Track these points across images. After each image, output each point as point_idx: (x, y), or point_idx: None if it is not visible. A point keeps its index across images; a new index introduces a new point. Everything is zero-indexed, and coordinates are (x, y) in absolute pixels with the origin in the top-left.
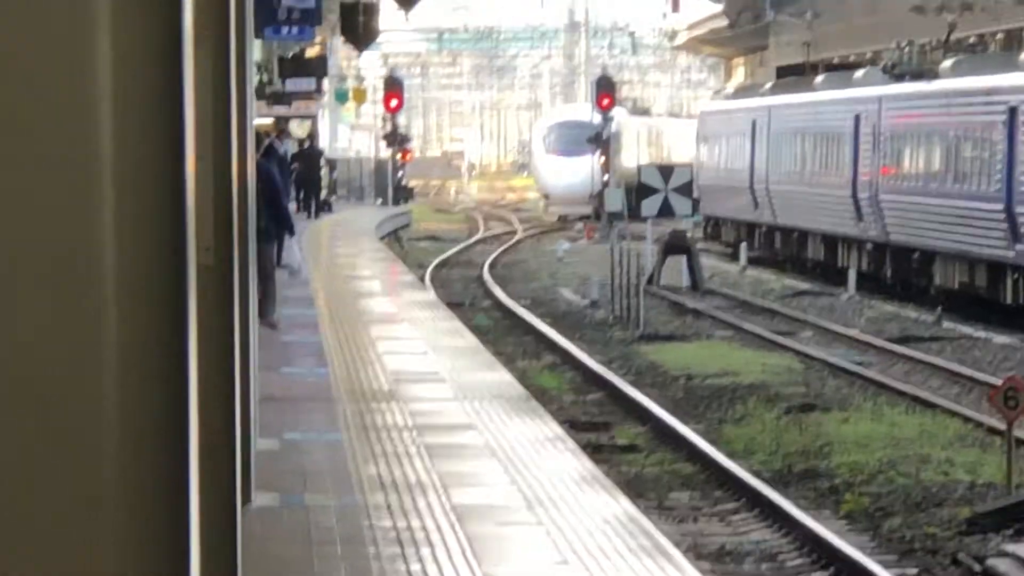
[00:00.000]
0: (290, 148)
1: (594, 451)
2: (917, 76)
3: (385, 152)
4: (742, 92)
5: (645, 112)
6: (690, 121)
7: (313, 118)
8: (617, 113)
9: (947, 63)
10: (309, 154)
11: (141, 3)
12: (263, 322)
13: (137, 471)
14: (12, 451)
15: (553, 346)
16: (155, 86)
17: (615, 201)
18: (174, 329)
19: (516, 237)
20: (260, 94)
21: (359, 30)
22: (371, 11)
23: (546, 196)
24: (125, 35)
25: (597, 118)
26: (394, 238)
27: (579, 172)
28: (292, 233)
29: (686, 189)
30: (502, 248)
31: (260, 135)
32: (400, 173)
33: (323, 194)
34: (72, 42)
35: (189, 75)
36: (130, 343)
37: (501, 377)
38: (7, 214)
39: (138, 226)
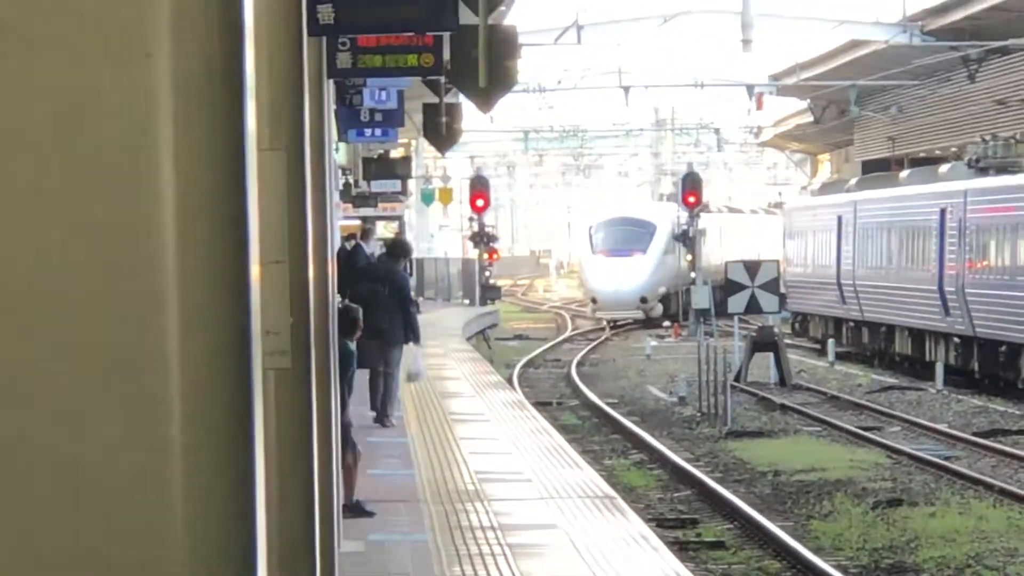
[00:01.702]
0: (376, 249)
1: (680, 548)
2: (1002, 169)
3: (472, 251)
4: (828, 187)
5: (733, 209)
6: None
7: (400, 219)
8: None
9: None
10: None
11: (203, 112)
12: (384, 421)
13: None
14: (79, 558)
15: (640, 443)
16: (217, 194)
17: (703, 298)
18: (238, 431)
19: (604, 335)
20: (346, 196)
21: (442, 131)
22: (454, 112)
23: (593, 300)
24: (187, 144)
25: (678, 214)
26: (482, 338)
27: (629, 274)
28: (418, 341)
29: (772, 285)
30: (590, 346)
31: (400, 241)
32: (487, 272)
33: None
34: (135, 148)
35: (253, 181)
36: (194, 448)
37: (587, 475)
38: (72, 321)
39: (201, 330)
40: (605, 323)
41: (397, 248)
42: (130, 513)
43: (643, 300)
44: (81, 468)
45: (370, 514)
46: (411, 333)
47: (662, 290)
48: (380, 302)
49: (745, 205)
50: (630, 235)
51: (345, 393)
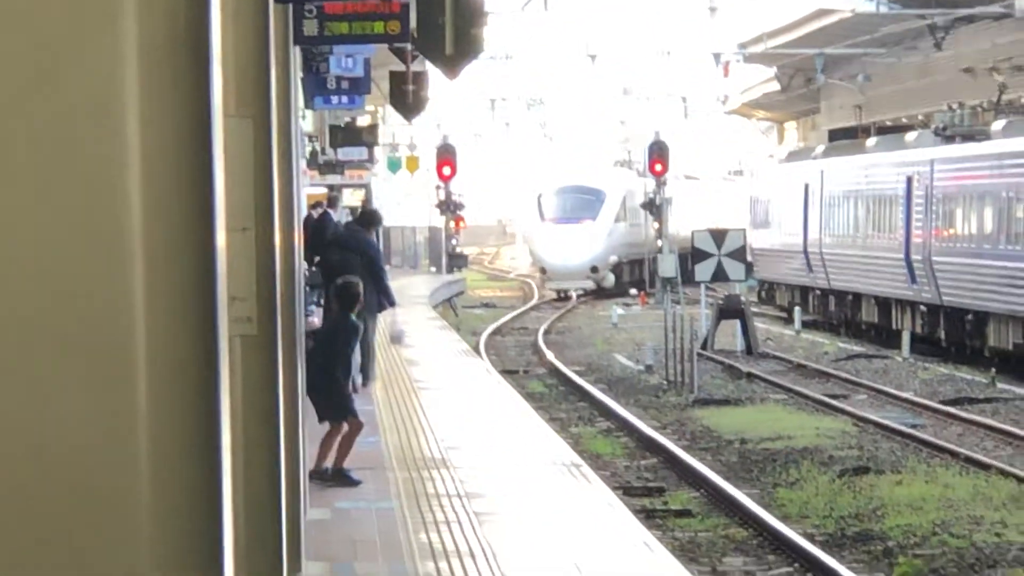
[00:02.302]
0: (343, 216)
1: (647, 516)
2: (968, 138)
3: (438, 220)
4: (794, 156)
5: (689, 177)
6: (734, 185)
7: (367, 186)
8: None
9: (998, 124)
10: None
11: (169, 79)
12: (367, 384)
13: (171, 542)
14: (45, 532)
15: (607, 412)
16: (183, 161)
17: (669, 267)
18: (205, 398)
19: (571, 304)
20: (312, 163)
21: (408, 99)
22: (420, 80)
23: (542, 270)
24: (153, 110)
25: (649, 183)
26: (448, 306)
27: (578, 243)
28: (393, 305)
29: (739, 254)
30: (557, 315)
31: (371, 210)
32: (454, 240)
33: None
34: (102, 114)
35: (219, 148)
36: (160, 412)
37: (553, 443)
38: (37, 289)
39: (167, 296)
40: (558, 293)
41: (367, 217)
42: (96, 481)
43: (594, 270)
44: (46, 435)
45: (355, 482)
46: (386, 299)
47: (613, 259)
48: (352, 271)
49: (702, 173)
50: (579, 203)
51: (350, 364)
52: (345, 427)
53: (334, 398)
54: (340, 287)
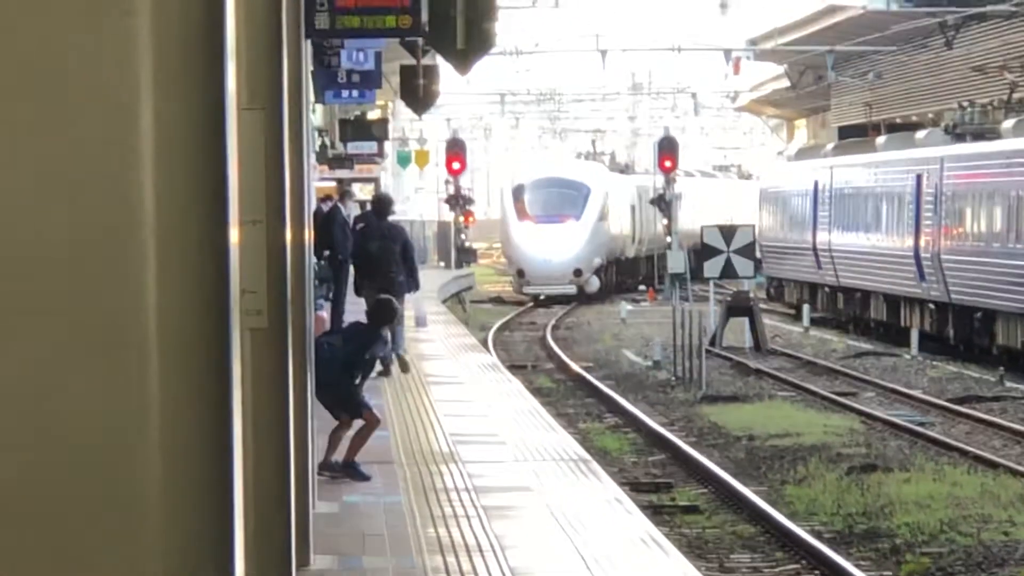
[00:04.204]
0: (353, 211)
1: (654, 512)
2: (978, 136)
3: (448, 214)
4: (804, 153)
5: (710, 173)
6: (753, 182)
7: (377, 181)
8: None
9: (1008, 123)
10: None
11: (183, 72)
12: (403, 367)
13: (181, 536)
14: (60, 525)
15: (615, 407)
16: (196, 153)
17: (678, 263)
18: (216, 391)
19: (575, 302)
20: (322, 157)
21: (419, 93)
22: (431, 74)
23: (520, 273)
24: (166, 102)
25: (658, 180)
26: (456, 300)
27: (561, 243)
28: (418, 288)
29: (748, 250)
30: (565, 310)
31: (385, 200)
32: (463, 235)
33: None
34: (116, 105)
35: (232, 140)
36: (172, 404)
37: (561, 439)
38: (49, 283)
39: (179, 289)
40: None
41: (383, 205)
42: (106, 473)
43: (577, 273)
44: (61, 427)
45: (365, 477)
46: (414, 284)
47: (597, 261)
48: (392, 258)
49: (694, 169)
50: (561, 198)
51: (370, 372)
52: (355, 423)
53: (351, 398)
54: (381, 304)
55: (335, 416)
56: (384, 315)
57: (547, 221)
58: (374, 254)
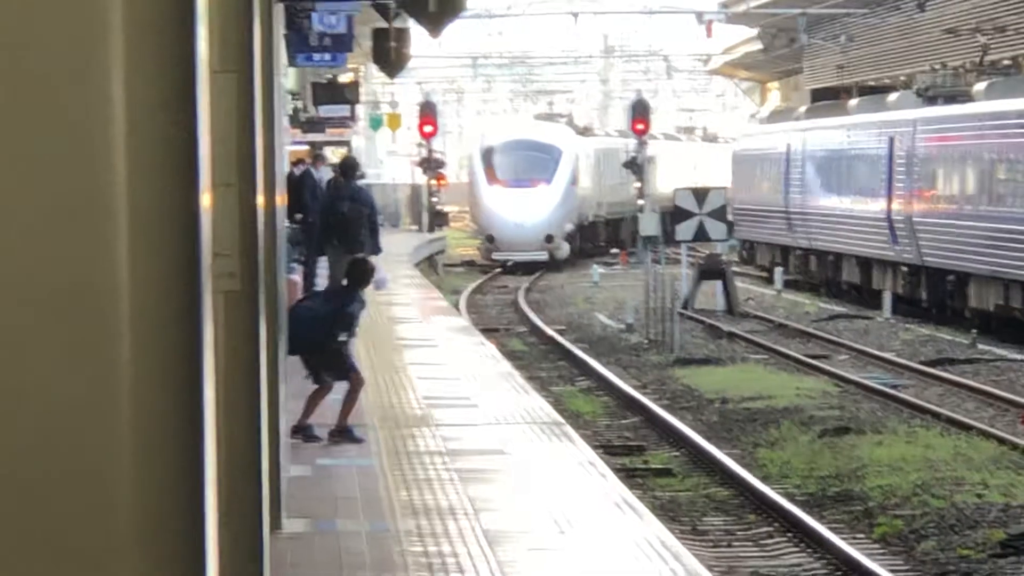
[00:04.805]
0: (326, 174)
1: (627, 475)
2: (951, 99)
3: (420, 178)
4: (776, 116)
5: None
6: (726, 145)
7: (349, 144)
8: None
9: (980, 85)
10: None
11: (154, 35)
12: None
13: (152, 500)
14: (26, 488)
15: (588, 371)
16: (167, 116)
17: (651, 226)
18: (188, 354)
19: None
20: (295, 121)
21: (391, 56)
22: (403, 37)
23: (489, 239)
24: (137, 65)
25: (631, 143)
26: (429, 264)
27: (532, 208)
28: (380, 251)
29: (720, 213)
30: (537, 274)
31: (351, 162)
32: (435, 199)
33: None
34: (86, 69)
35: (204, 104)
36: (143, 368)
37: (534, 402)
38: (20, 247)
39: (151, 253)
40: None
41: (350, 167)
42: (77, 440)
43: (548, 239)
44: (26, 393)
45: (359, 440)
46: (376, 246)
47: (569, 227)
48: (361, 221)
49: (659, 132)
50: (532, 162)
51: (355, 331)
52: (333, 385)
53: (339, 358)
54: (356, 265)
55: (317, 380)
56: (361, 275)
57: (518, 185)
58: (345, 215)
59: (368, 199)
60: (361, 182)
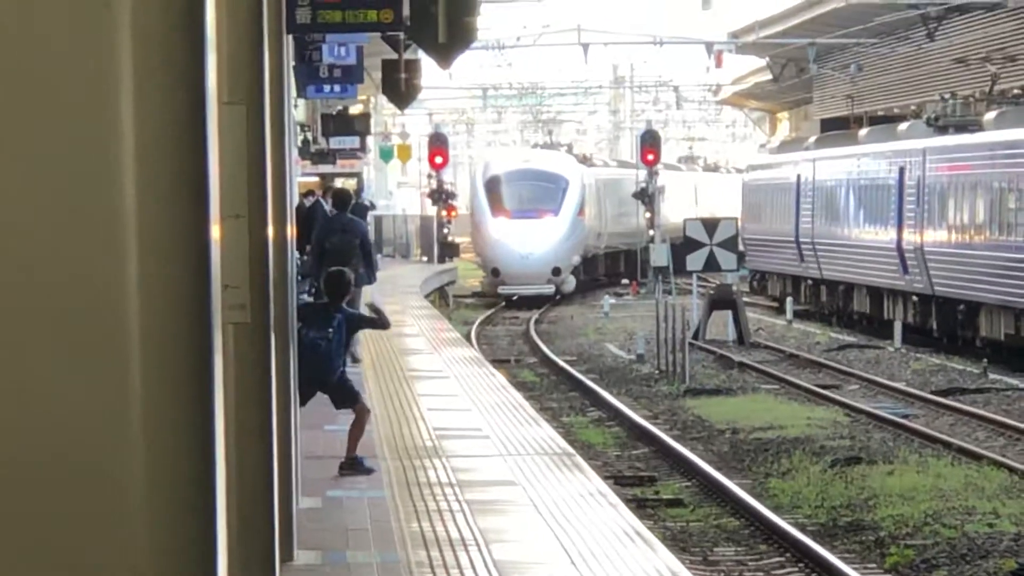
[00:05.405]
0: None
1: (638, 506)
2: (961, 128)
3: (430, 209)
4: (787, 146)
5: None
6: (727, 176)
7: (359, 175)
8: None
9: (990, 115)
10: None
11: (164, 66)
12: (355, 356)
13: (165, 533)
14: (42, 525)
15: (598, 401)
16: (177, 147)
17: (661, 256)
18: (198, 387)
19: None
20: (305, 152)
21: (400, 87)
22: (413, 68)
23: (494, 272)
24: (147, 97)
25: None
26: (439, 295)
27: (539, 240)
28: (375, 280)
29: (731, 243)
30: (548, 304)
31: (344, 194)
32: (445, 230)
33: None
34: (96, 100)
35: (213, 135)
36: (154, 400)
37: (545, 433)
38: (31, 279)
39: (161, 284)
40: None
41: (343, 200)
42: (88, 471)
43: (555, 272)
44: (40, 425)
45: (369, 470)
46: (371, 275)
47: (576, 259)
48: (352, 252)
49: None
50: (539, 192)
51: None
52: (368, 410)
53: (348, 386)
54: (332, 277)
55: (338, 407)
56: (340, 287)
57: (524, 216)
58: (335, 245)
59: (360, 230)
60: (372, 213)
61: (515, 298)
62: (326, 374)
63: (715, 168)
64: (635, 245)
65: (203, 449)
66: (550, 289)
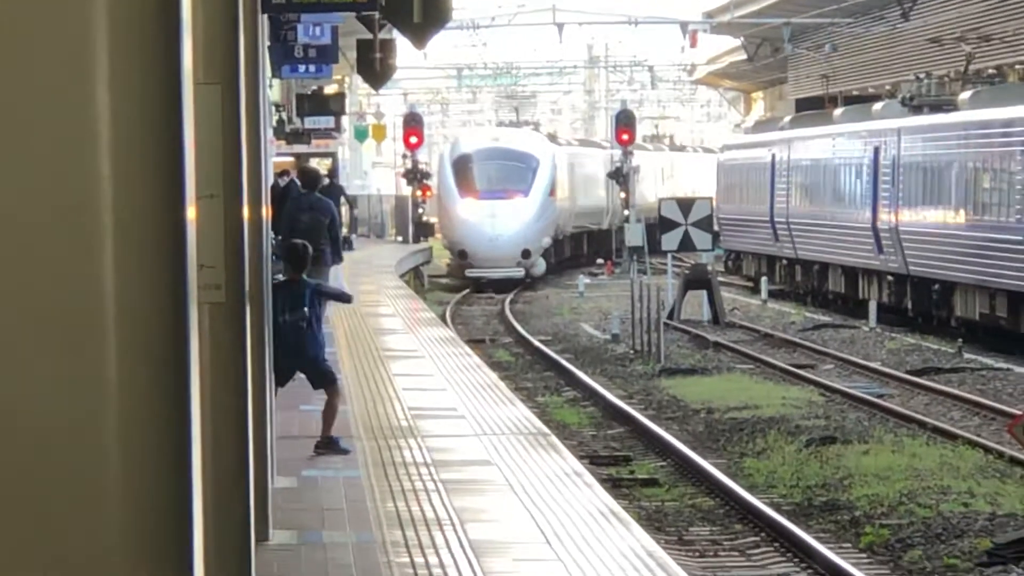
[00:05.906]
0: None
1: (613, 485)
2: (936, 108)
3: (405, 189)
4: (761, 126)
5: (665, 147)
6: (695, 155)
7: (334, 155)
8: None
9: (965, 95)
10: (329, 191)
11: (138, 46)
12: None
13: (139, 512)
14: (15, 501)
15: (573, 381)
16: (153, 127)
17: (636, 236)
18: (174, 367)
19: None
20: (279, 132)
21: (375, 67)
22: (388, 48)
23: (461, 254)
24: (122, 76)
25: (616, 152)
26: (414, 275)
27: (508, 222)
28: (341, 261)
29: (706, 223)
30: (523, 284)
31: (312, 173)
32: (420, 210)
33: (343, 231)
34: (69, 85)
35: (189, 116)
36: (129, 380)
37: (520, 412)
38: (3, 259)
39: (136, 264)
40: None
41: (311, 179)
42: (62, 451)
43: (525, 254)
44: (12, 407)
45: (345, 451)
46: (337, 255)
47: (546, 241)
48: (321, 231)
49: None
50: (508, 171)
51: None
52: (341, 391)
53: (323, 364)
54: (293, 249)
55: (316, 387)
56: (301, 259)
57: (492, 197)
58: (304, 224)
59: (328, 209)
60: (348, 193)
61: (483, 281)
62: (314, 350)
63: (681, 148)
64: (601, 225)
65: (178, 429)
66: (519, 272)
